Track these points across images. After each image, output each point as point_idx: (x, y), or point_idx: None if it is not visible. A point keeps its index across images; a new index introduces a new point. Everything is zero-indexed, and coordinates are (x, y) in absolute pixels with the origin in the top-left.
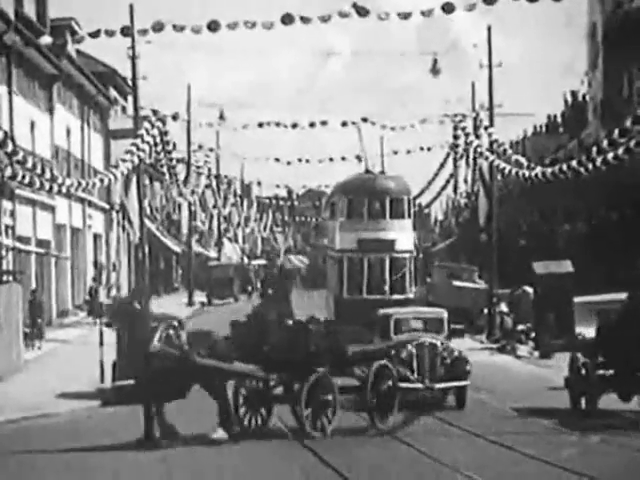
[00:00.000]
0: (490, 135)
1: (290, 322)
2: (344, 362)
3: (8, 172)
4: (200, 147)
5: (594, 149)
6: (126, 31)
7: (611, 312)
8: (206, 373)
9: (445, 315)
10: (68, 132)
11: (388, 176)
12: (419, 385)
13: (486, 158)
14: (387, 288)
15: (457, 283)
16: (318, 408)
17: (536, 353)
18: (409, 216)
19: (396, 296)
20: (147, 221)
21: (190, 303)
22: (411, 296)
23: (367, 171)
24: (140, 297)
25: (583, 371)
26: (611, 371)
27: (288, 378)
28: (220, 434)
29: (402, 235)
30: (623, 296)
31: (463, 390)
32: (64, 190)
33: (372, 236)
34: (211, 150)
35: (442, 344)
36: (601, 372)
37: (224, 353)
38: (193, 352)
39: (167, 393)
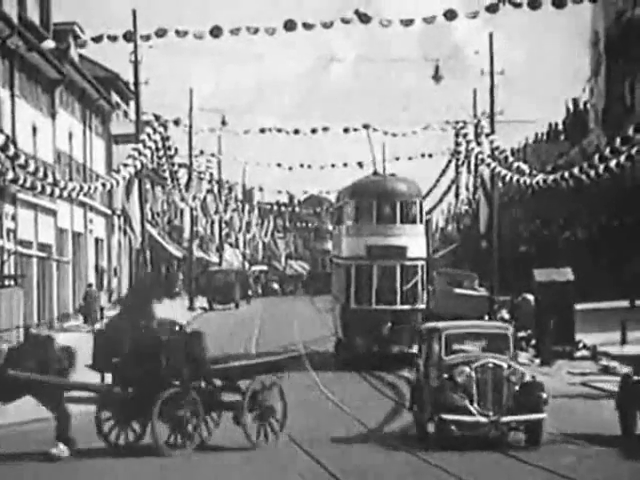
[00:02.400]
0: (491, 142)
1: (145, 332)
2: (204, 376)
3: (10, 176)
4: (202, 152)
5: (596, 157)
6: (129, 36)
7: None
8: (30, 385)
9: (511, 331)
10: (70, 136)
11: (398, 178)
12: (481, 418)
13: (487, 165)
14: (398, 298)
15: (458, 290)
16: (176, 425)
17: (537, 360)
18: (421, 221)
19: (407, 306)
20: (148, 226)
21: (191, 308)
22: (423, 306)
23: (375, 173)
24: None
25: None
26: None
27: (140, 392)
28: (60, 449)
29: (413, 241)
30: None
31: (537, 425)
32: (66, 194)
33: (382, 242)
34: (213, 155)
35: (509, 366)
36: None
37: (59, 364)
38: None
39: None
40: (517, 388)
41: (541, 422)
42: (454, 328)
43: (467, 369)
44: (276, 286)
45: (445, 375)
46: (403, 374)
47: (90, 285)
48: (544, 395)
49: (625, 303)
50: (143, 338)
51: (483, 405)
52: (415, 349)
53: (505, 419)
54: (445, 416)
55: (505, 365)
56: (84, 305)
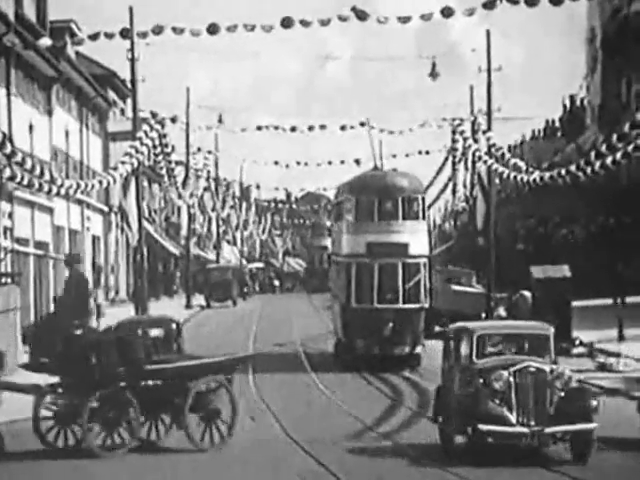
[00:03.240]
0: (488, 139)
1: (78, 332)
2: (140, 378)
3: (7, 173)
4: (199, 150)
5: (592, 153)
6: (125, 33)
7: None
8: None
9: (551, 331)
10: (67, 134)
11: (400, 173)
12: (522, 429)
13: (484, 162)
14: (400, 297)
15: (455, 287)
16: (108, 426)
17: None
18: (424, 217)
19: (410, 305)
20: (146, 223)
21: (188, 306)
22: (426, 305)
23: (375, 168)
24: None
25: None
26: None
27: (71, 393)
28: None
29: (416, 238)
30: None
31: (586, 436)
32: (63, 192)
33: (383, 239)
34: (210, 153)
35: (552, 371)
36: None
37: None
38: None
39: None
40: (562, 395)
41: (591, 433)
42: (487, 329)
43: (505, 374)
44: (277, 282)
45: (479, 380)
46: (404, 374)
47: None
48: (594, 402)
49: (619, 300)
50: (75, 338)
51: (523, 414)
52: (419, 350)
53: (549, 430)
54: (481, 426)
55: (548, 369)
56: None
